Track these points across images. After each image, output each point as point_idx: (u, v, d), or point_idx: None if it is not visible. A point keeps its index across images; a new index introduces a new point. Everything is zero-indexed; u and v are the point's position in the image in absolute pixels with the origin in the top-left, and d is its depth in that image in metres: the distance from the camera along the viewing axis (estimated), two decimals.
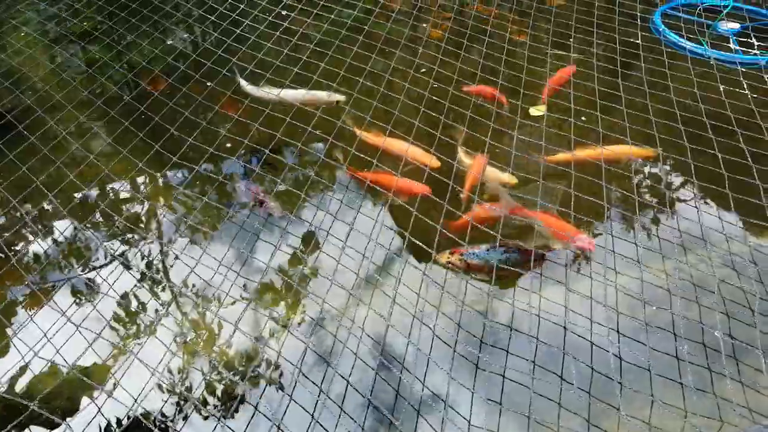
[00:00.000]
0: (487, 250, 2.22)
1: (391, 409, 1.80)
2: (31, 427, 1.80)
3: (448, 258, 2.23)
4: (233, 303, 2.11)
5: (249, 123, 2.75)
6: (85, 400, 1.85)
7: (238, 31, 3.46)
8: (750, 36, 3.38)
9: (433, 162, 2.56)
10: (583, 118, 2.84)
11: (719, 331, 1.89)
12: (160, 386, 1.88)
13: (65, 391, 1.87)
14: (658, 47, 3.29)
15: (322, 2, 3.78)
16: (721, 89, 2.90)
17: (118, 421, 1.80)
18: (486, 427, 1.73)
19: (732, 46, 3.31)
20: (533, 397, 1.78)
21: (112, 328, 2.05)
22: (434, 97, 2.90)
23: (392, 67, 3.13)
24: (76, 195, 2.56)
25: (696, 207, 2.37)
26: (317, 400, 1.80)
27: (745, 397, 1.79)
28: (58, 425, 1.78)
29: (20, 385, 1.91)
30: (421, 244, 2.18)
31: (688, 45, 3.32)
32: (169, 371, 1.93)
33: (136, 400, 1.79)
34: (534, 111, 2.93)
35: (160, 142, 2.65)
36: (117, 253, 2.33)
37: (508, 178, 2.56)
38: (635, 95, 2.92)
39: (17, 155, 2.67)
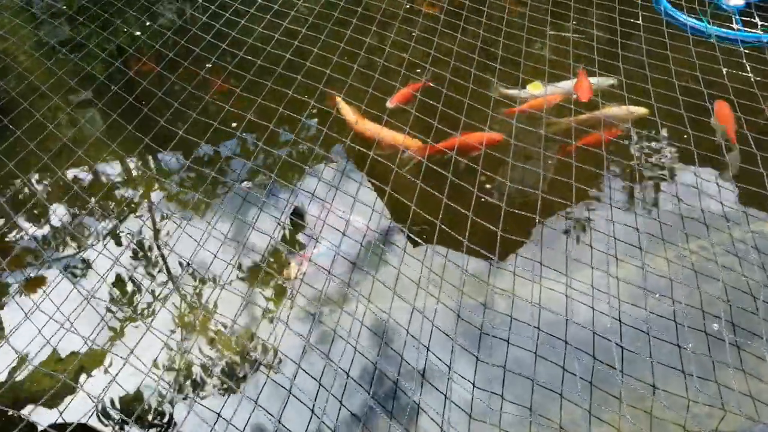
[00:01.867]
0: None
1: (390, 402, 1.79)
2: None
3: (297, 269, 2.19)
4: (229, 298, 2.08)
5: (242, 113, 2.70)
6: (82, 401, 1.83)
7: (227, 15, 3.37)
8: (754, 14, 3.30)
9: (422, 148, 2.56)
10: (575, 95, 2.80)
11: (722, 320, 1.88)
12: (156, 385, 1.86)
13: (61, 392, 1.84)
14: (659, 26, 3.22)
15: None
16: (724, 72, 2.84)
17: (115, 421, 1.79)
18: (488, 421, 1.72)
19: (735, 25, 3.23)
20: (534, 387, 1.78)
21: (107, 326, 2.02)
22: (435, 69, 2.88)
23: (387, 49, 3.06)
24: (64, 190, 2.52)
25: (698, 192, 2.33)
26: (315, 402, 1.79)
27: (747, 386, 1.78)
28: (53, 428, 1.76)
29: (11, 385, 1.89)
30: (416, 238, 2.17)
31: (690, 22, 3.24)
32: (165, 369, 1.90)
33: (133, 399, 1.78)
34: (531, 88, 2.90)
35: (150, 135, 2.59)
36: (107, 246, 2.29)
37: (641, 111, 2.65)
38: (635, 75, 2.86)
39: (3, 150, 2.61)
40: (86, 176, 2.60)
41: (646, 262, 2.08)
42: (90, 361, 1.93)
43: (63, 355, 1.94)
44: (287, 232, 2.34)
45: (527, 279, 2.06)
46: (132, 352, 1.87)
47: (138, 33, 3.40)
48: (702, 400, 1.74)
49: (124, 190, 2.55)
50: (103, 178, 2.60)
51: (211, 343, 1.99)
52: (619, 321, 1.93)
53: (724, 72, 2.83)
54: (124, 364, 1.84)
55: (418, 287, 2.05)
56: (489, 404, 1.75)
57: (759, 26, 3.20)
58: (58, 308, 2.02)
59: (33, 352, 1.92)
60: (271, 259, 2.22)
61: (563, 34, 3.22)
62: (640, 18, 3.25)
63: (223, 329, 2.01)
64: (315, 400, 1.79)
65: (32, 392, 1.86)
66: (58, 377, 1.81)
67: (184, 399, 1.84)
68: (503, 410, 1.74)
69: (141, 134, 2.61)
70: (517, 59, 2.98)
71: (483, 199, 2.33)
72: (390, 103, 2.80)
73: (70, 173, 2.59)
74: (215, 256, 2.16)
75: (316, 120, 2.82)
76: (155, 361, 1.91)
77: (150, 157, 2.70)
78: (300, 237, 2.33)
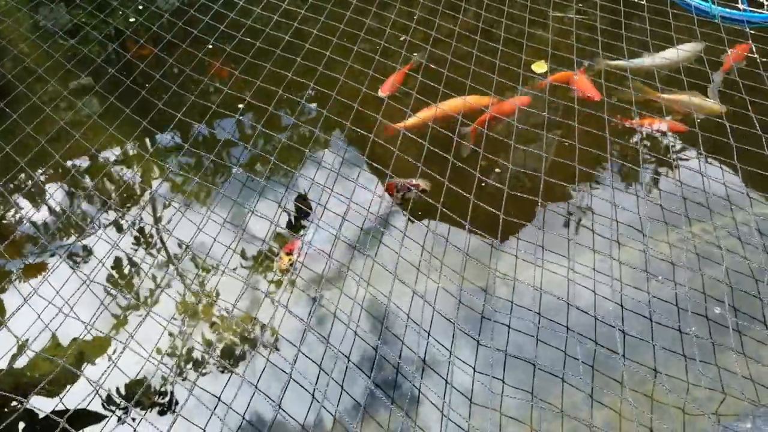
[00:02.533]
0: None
1: (391, 386, 1.79)
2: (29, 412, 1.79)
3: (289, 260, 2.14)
4: (229, 282, 2.07)
5: (239, 96, 2.67)
6: (82, 385, 1.83)
7: None
8: None
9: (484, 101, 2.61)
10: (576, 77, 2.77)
11: (724, 303, 1.88)
12: (156, 369, 1.85)
13: (62, 377, 1.84)
14: (663, 7, 3.17)
15: None
16: (729, 52, 2.80)
17: (115, 405, 1.79)
18: (489, 405, 1.72)
19: (741, 5, 3.18)
20: (536, 372, 1.78)
21: (108, 310, 2.02)
22: (437, 51, 2.87)
23: (388, 30, 3.01)
24: (62, 174, 2.50)
25: (702, 176, 2.31)
26: (317, 379, 1.79)
27: (748, 370, 1.77)
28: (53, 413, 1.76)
29: (12, 371, 1.89)
30: (418, 222, 2.16)
31: (695, 2, 3.19)
32: (165, 354, 1.90)
33: (133, 384, 1.78)
34: (536, 67, 2.87)
35: (148, 119, 2.57)
36: (107, 232, 2.28)
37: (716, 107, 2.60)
38: (639, 56, 2.83)
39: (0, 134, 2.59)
40: (84, 159, 2.58)
41: (649, 245, 2.06)
42: (90, 346, 1.93)
43: (62, 340, 1.93)
44: (287, 215, 2.32)
45: (529, 262, 2.05)
46: (132, 336, 1.86)
47: (134, 18, 3.35)
48: (703, 383, 1.73)
49: (122, 174, 2.53)
50: (101, 162, 2.58)
51: (211, 327, 1.98)
52: (621, 305, 1.93)
53: (729, 53, 2.79)
54: (124, 349, 1.84)
55: (418, 271, 2.04)
56: (490, 388, 1.75)
57: (765, 6, 3.15)
58: (57, 292, 2.01)
59: (32, 338, 1.92)
60: (272, 243, 2.21)
61: (567, 15, 3.17)
62: None
63: (222, 313, 2.00)
64: (315, 384, 1.78)
65: (32, 378, 1.86)
66: (58, 362, 1.81)
67: (184, 383, 1.84)
68: (505, 394, 1.74)
69: (139, 117, 2.58)
70: (520, 40, 2.94)
71: (484, 183, 2.31)
72: (382, 92, 2.75)
73: (68, 156, 2.56)
74: (215, 240, 2.15)
75: (315, 103, 2.79)
76: (155, 345, 1.90)
77: (148, 140, 2.67)
78: (301, 221, 2.31)
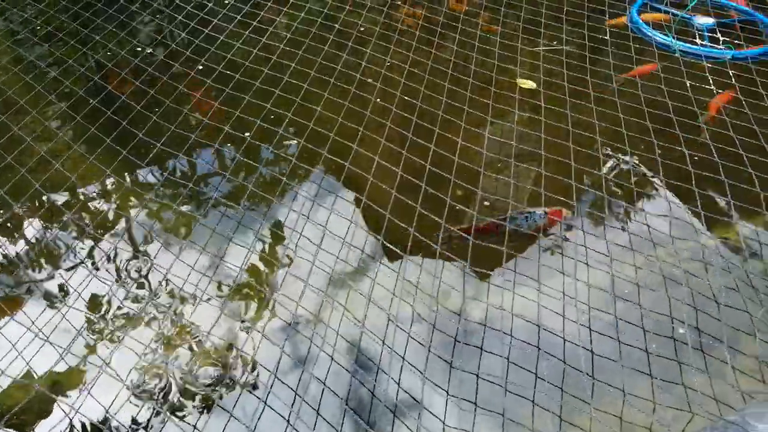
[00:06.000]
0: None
1: (366, 411, 1.81)
2: None
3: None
4: (205, 309, 2.09)
5: (219, 126, 2.74)
6: (56, 414, 1.83)
7: (207, 31, 3.41)
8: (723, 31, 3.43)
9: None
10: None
11: (686, 325, 1.94)
12: (131, 396, 1.86)
13: (35, 405, 1.84)
14: (626, 42, 3.33)
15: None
16: (688, 85, 2.94)
17: None
18: (460, 427, 1.75)
19: (699, 41, 3.35)
20: (506, 394, 1.81)
21: (82, 338, 2.02)
22: (409, 83, 2.97)
23: (364, 64, 3.12)
24: (40, 204, 2.53)
25: (666, 203, 2.41)
26: (291, 410, 1.80)
27: (712, 389, 1.83)
28: None
29: None
30: (392, 247, 2.21)
31: (658, 37, 3.36)
32: (140, 381, 1.91)
33: (107, 412, 1.78)
34: (522, 83, 2.97)
35: (128, 148, 2.62)
36: (84, 260, 2.29)
37: None
38: (604, 90, 2.96)
39: None
40: (63, 189, 2.60)
41: (616, 269, 2.14)
42: (64, 374, 1.93)
43: (36, 369, 1.93)
44: (264, 244, 2.36)
45: (500, 287, 2.11)
46: (106, 363, 1.87)
47: (116, 49, 3.42)
48: (670, 403, 1.78)
49: (101, 203, 2.56)
50: (81, 191, 2.60)
51: (186, 354, 1.99)
52: (589, 328, 1.98)
53: (688, 84, 2.94)
54: (98, 376, 1.84)
55: (393, 296, 2.08)
56: (461, 409, 1.78)
57: (721, 42, 3.33)
58: (33, 322, 2.02)
59: (4, 366, 1.92)
60: (248, 271, 2.24)
61: (536, 49, 3.32)
62: (608, 34, 3.37)
63: (198, 340, 2.02)
64: (291, 409, 1.80)
65: (4, 407, 1.85)
66: (32, 388, 1.81)
67: (159, 410, 1.84)
68: (476, 417, 1.77)
69: (119, 147, 2.63)
70: (490, 74, 3.06)
71: (457, 207, 2.39)
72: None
73: (47, 187, 2.58)
74: (192, 268, 2.18)
75: (293, 131, 2.85)
76: (129, 372, 1.90)
77: (127, 171, 2.70)
78: (277, 249, 2.35)
